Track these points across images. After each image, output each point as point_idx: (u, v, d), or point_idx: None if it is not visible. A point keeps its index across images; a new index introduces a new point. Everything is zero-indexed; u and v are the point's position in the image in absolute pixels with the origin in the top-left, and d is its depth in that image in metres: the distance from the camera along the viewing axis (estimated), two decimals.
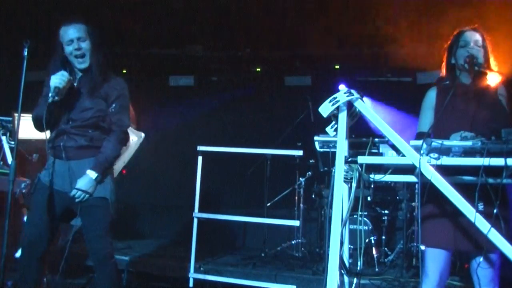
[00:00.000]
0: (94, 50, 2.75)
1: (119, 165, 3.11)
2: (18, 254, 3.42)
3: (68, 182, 2.70)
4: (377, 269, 4.76)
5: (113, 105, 2.80)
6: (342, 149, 2.17)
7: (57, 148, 2.73)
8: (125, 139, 2.88)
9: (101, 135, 2.78)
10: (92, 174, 2.68)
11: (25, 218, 4.01)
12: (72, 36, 2.70)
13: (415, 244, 4.92)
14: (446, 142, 2.05)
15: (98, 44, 2.77)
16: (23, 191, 4.03)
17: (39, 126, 2.76)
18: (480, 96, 2.42)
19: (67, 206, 2.75)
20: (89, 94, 2.74)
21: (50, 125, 2.75)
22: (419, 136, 2.46)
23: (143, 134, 3.68)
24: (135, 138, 3.48)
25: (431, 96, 2.57)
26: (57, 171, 2.72)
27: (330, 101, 2.18)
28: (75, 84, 2.77)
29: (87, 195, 2.67)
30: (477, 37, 2.48)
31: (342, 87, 2.21)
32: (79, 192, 2.65)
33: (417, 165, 2.02)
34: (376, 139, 2.29)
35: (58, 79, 2.62)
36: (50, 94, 2.60)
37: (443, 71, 2.62)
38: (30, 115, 2.80)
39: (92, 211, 2.71)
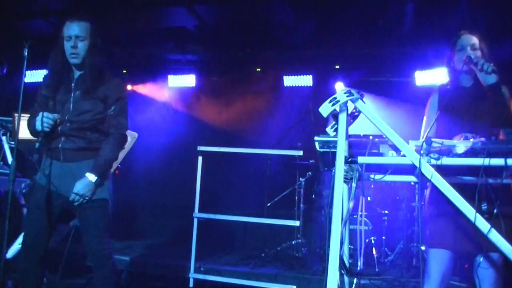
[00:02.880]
0: (91, 50, 2.72)
1: (113, 166, 3.11)
2: (8, 255, 3.42)
3: (66, 184, 2.68)
4: (377, 269, 4.76)
5: (112, 108, 2.78)
6: (342, 149, 2.17)
7: (55, 150, 2.72)
8: (123, 142, 2.87)
9: (99, 137, 2.77)
10: (91, 177, 2.67)
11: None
12: (72, 33, 2.68)
13: (415, 244, 4.93)
14: (446, 142, 2.05)
15: (97, 45, 2.75)
16: (23, 191, 4.03)
17: (34, 136, 2.77)
18: (482, 98, 2.42)
19: (65, 208, 2.74)
20: (85, 96, 2.73)
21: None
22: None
23: (136, 134, 3.68)
24: (129, 138, 3.48)
25: (434, 101, 2.59)
26: (54, 173, 2.71)
27: (330, 101, 2.18)
28: (72, 85, 2.76)
29: (86, 198, 2.66)
30: (474, 40, 2.49)
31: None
32: (78, 196, 2.64)
33: (417, 165, 2.02)
34: (376, 139, 2.29)
35: (45, 123, 2.61)
36: (39, 139, 2.61)
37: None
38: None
39: (90, 213, 2.71)
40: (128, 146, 3.62)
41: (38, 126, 2.61)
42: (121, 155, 3.49)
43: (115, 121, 2.79)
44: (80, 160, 2.72)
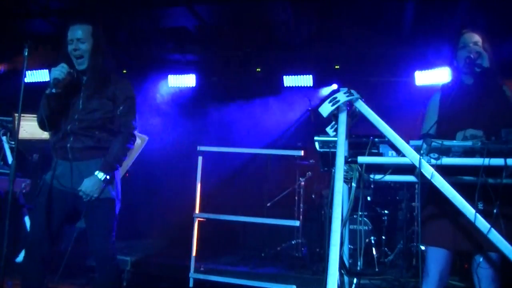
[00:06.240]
0: (94, 51, 2.74)
1: (123, 168, 3.10)
2: (19, 258, 3.41)
3: (74, 183, 2.68)
4: (377, 269, 4.77)
5: (121, 107, 2.79)
6: (342, 149, 2.17)
7: (64, 149, 2.72)
8: (132, 141, 2.88)
9: (108, 136, 2.77)
10: (100, 174, 2.67)
11: (25, 218, 4.02)
12: (73, 36, 2.71)
13: (415, 244, 4.93)
14: (446, 142, 2.05)
15: (100, 46, 2.77)
16: (24, 191, 4.04)
17: (42, 124, 2.76)
18: (483, 96, 2.42)
19: (72, 208, 2.74)
20: (94, 95, 2.74)
21: (53, 122, 2.72)
22: (422, 137, 2.46)
23: (146, 137, 3.68)
24: (139, 141, 3.48)
25: (435, 100, 2.58)
26: (62, 172, 2.71)
27: (330, 101, 2.18)
28: (82, 84, 2.77)
29: (94, 195, 2.66)
30: (476, 38, 2.48)
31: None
32: (86, 193, 2.64)
33: (417, 165, 2.02)
34: (376, 139, 2.29)
35: (58, 71, 2.63)
36: (49, 86, 2.62)
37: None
38: (30, 115, 2.80)
39: (98, 212, 2.70)
40: (138, 148, 3.62)
41: (54, 73, 2.62)
42: (131, 158, 3.48)
43: (124, 119, 2.80)
44: (88, 159, 2.72)
